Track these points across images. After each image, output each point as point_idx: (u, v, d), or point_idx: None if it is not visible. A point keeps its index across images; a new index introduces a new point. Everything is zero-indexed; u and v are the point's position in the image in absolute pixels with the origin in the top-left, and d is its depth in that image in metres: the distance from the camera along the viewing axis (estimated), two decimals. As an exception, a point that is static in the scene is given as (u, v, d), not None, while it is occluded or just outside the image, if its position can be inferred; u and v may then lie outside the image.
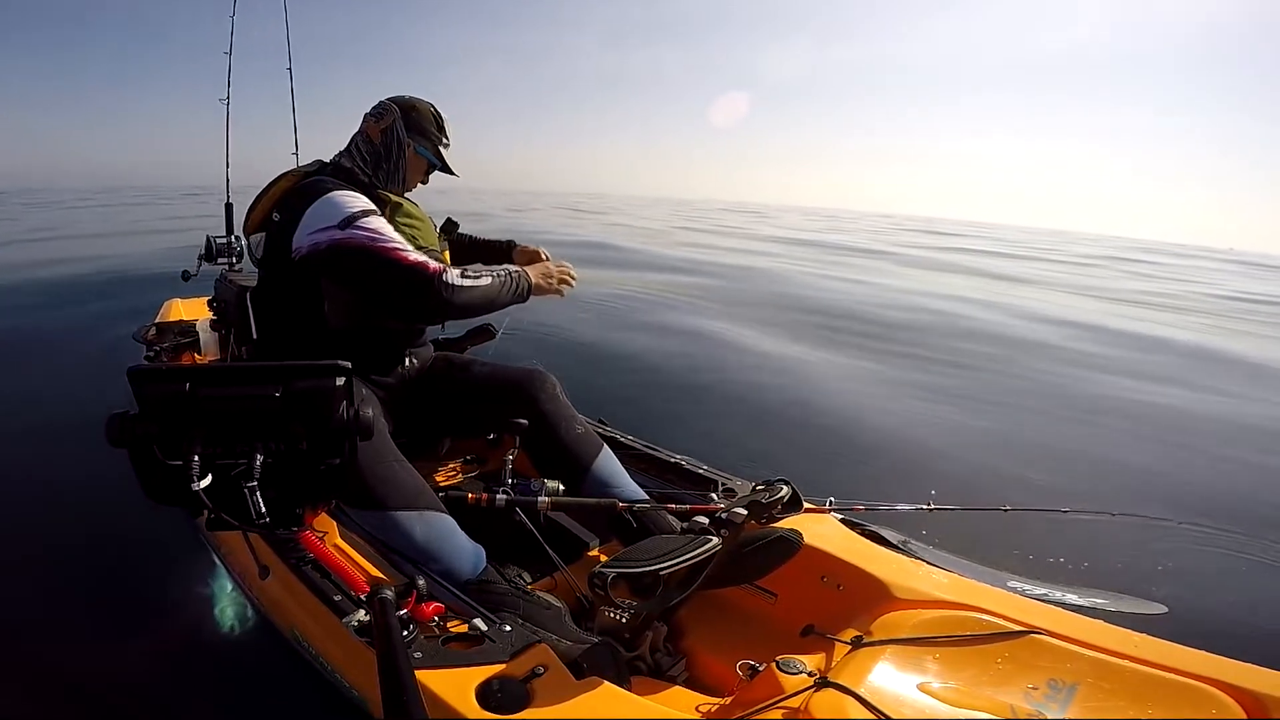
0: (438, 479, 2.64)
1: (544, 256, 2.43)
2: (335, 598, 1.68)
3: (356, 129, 2.31)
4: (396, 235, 1.99)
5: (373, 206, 2.04)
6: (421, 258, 1.96)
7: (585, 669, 1.49)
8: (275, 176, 2.22)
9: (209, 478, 1.32)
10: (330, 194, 2.02)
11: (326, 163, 2.26)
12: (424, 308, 1.99)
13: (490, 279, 2.05)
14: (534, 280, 2.19)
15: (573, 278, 2.31)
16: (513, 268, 2.17)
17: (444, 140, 2.35)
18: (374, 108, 2.29)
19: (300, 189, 2.09)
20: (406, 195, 2.31)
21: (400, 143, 2.25)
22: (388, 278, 1.92)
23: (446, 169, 2.39)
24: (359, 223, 1.94)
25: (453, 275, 1.95)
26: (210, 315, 3.36)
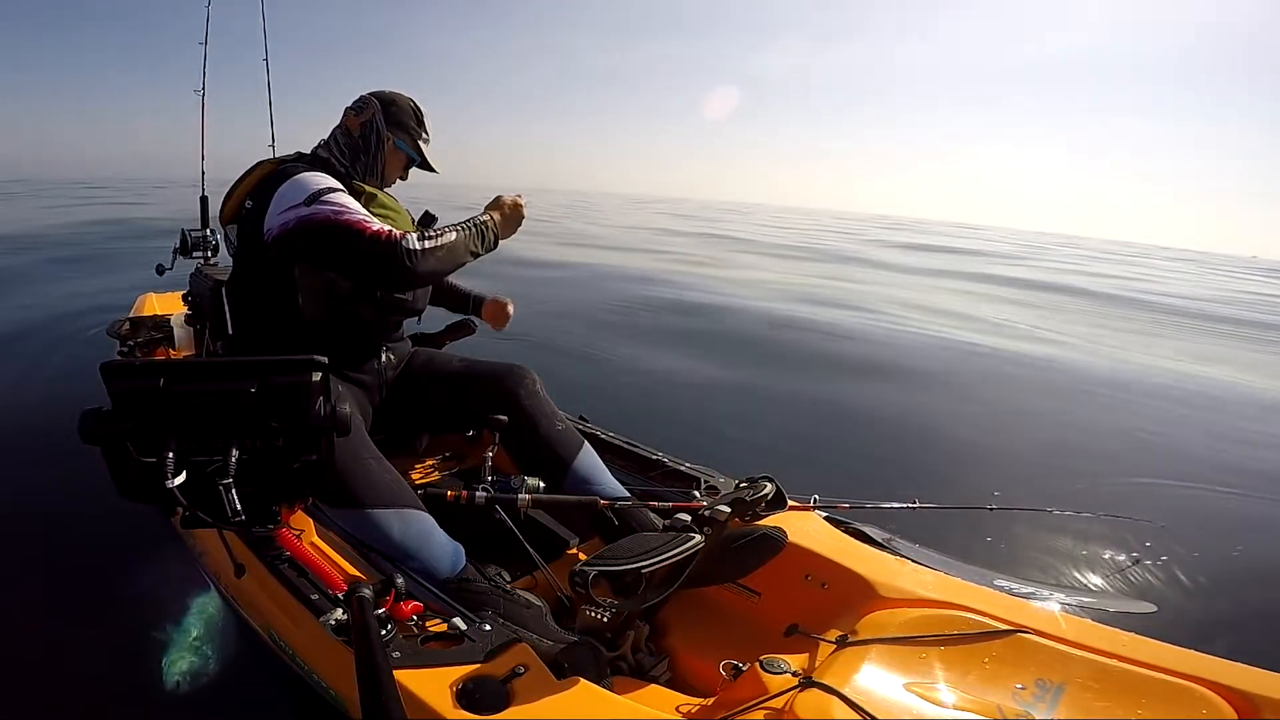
0: (416, 476, 2.62)
1: (522, 204, 2.27)
2: (312, 596, 1.66)
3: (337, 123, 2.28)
4: (361, 209, 1.97)
5: (340, 185, 2.02)
6: (383, 227, 1.91)
7: (566, 669, 1.48)
8: (251, 165, 2.19)
9: (183, 475, 1.29)
10: (298, 175, 2.01)
11: (305, 154, 2.24)
12: (388, 277, 1.95)
13: (454, 234, 2.00)
14: (500, 223, 2.15)
15: (523, 204, 2.25)
16: (480, 215, 2.12)
17: (424, 135, 2.32)
18: (355, 101, 2.27)
19: (272, 175, 2.08)
20: (385, 190, 2.29)
21: (380, 136, 2.23)
22: (351, 249, 1.88)
23: (426, 165, 2.37)
24: (324, 198, 1.92)
25: (412, 240, 1.89)
26: (185, 310, 3.33)
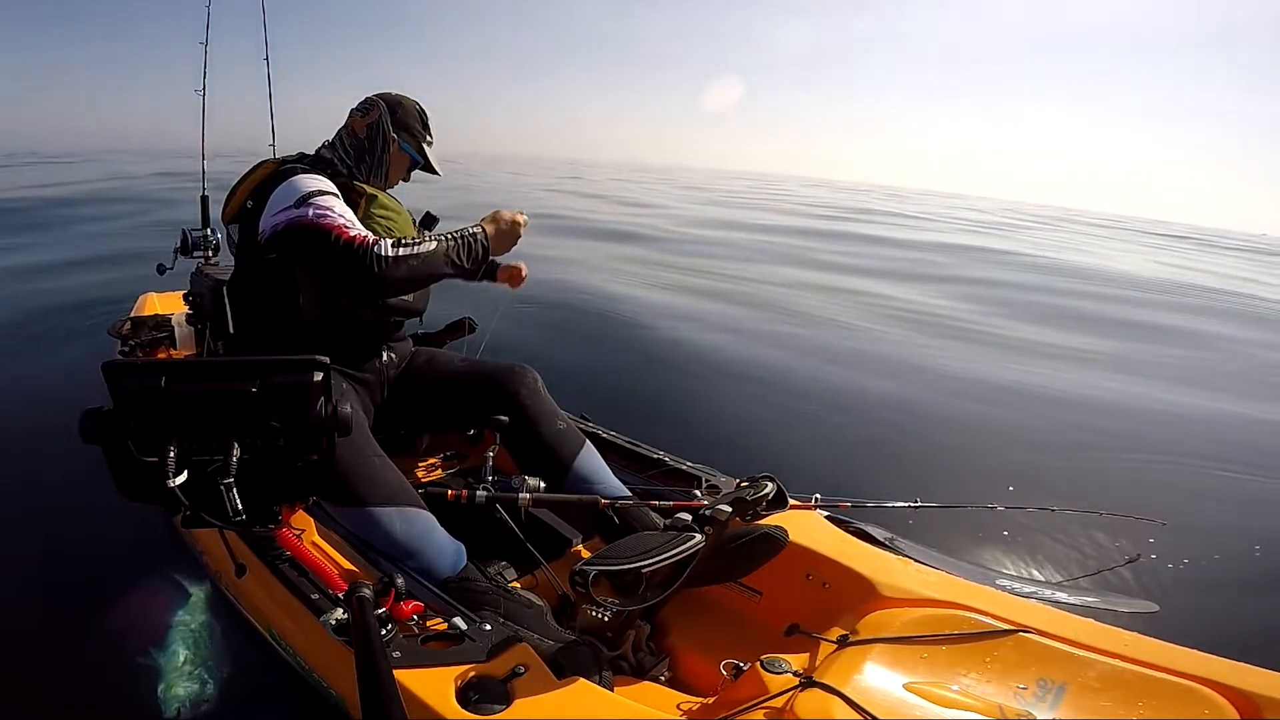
0: (417, 475, 2.62)
1: (521, 223, 2.15)
2: (313, 596, 1.66)
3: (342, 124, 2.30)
4: (346, 213, 1.95)
5: (332, 188, 2.01)
6: (360, 232, 1.88)
7: (566, 668, 1.48)
8: (254, 164, 2.20)
9: (184, 474, 1.29)
10: (293, 177, 2.00)
11: (307, 154, 2.25)
12: (356, 283, 1.88)
13: (434, 244, 1.93)
14: (492, 237, 2.05)
15: (522, 222, 2.13)
16: (471, 227, 2.04)
17: (428, 138, 2.34)
18: (360, 103, 2.29)
19: (273, 175, 2.08)
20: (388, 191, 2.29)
21: (385, 137, 2.24)
22: (324, 253, 1.86)
23: (429, 167, 2.37)
24: (311, 201, 1.91)
25: (384, 247, 1.84)
26: (186, 309, 3.33)
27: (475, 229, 2.03)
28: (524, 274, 2.44)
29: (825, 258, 12.81)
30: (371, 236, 1.87)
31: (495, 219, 2.08)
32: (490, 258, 2.08)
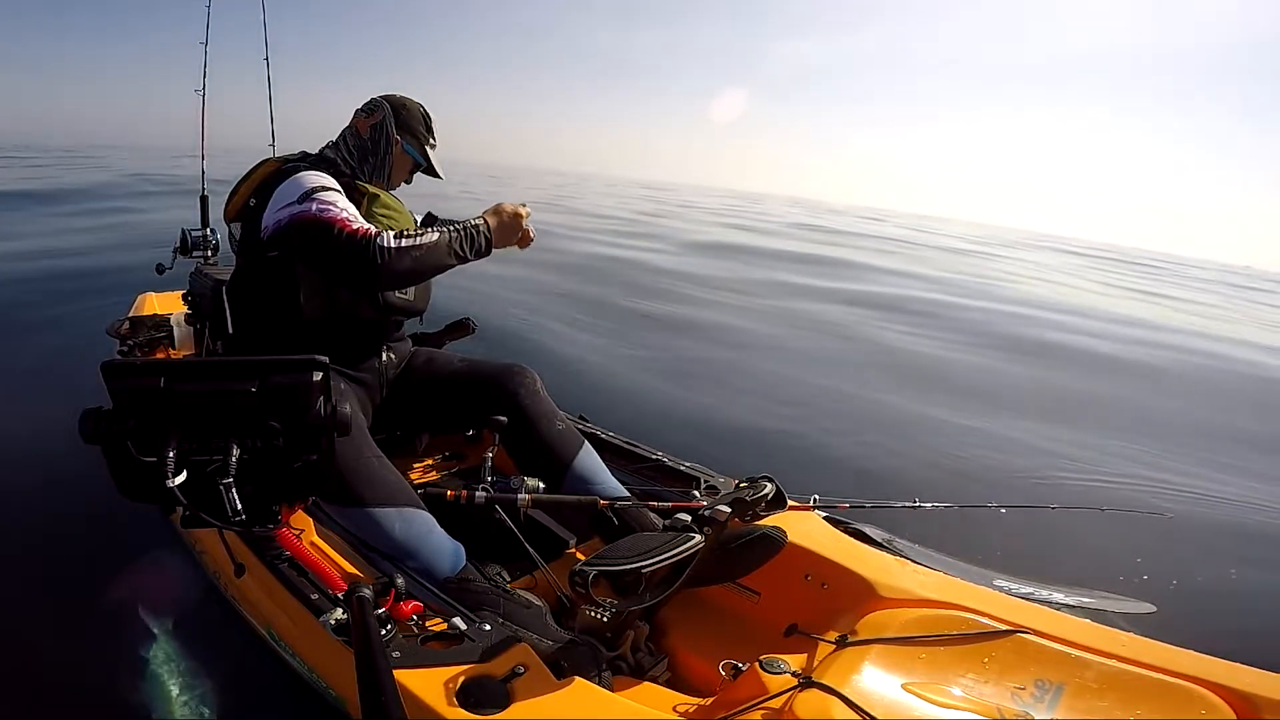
0: (415, 476, 2.62)
1: (524, 215, 2.15)
2: (312, 596, 1.66)
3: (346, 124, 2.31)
4: (349, 208, 1.96)
5: (335, 185, 2.02)
6: (363, 225, 1.89)
7: (566, 668, 1.48)
8: (257, 163, 2.20)
9: (184, 474, 1.29)
10: (296, 174, 2.01)
11: (310, 153, 2.25)
12: (358, 275, 1.88)
13: (436, 235, 1.93)
14: (495, 228, 2.06)
15: (525, 214, 2.13)
16: (473, 219, 2.05)
17: (431, 141, 2.34)
18: (365, 104, 2.30)
19: (276, 173, 2.10)
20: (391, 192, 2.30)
21: (389, 139, 2.25)
22: (326, 245, 1.86)
23: (432, 170, 2.38)
24: (315, 196, 1.92)
25: (387, 238, 1.84)
26: (185, 309, 3.33)
27: (478, 221, 2.04)
28: (531, 235, 2.46)
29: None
30: (374, 229, 1.88)
31: (498, 211, 2.09)
32: (493, 248, 2.07)
